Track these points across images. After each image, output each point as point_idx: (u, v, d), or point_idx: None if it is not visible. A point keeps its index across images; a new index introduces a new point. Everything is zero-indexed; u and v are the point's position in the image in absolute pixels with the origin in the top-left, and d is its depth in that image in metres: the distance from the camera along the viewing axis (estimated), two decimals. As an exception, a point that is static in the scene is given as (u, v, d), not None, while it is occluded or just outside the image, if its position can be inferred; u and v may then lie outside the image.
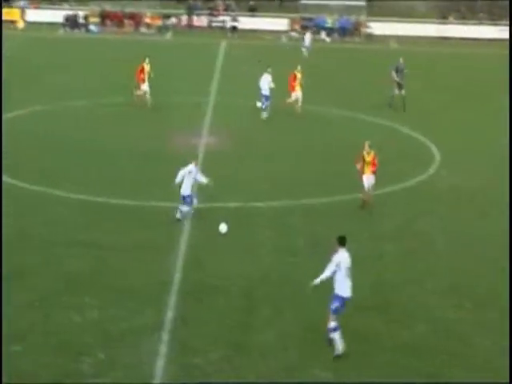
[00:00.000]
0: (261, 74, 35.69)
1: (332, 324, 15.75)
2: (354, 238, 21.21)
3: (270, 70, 35.67)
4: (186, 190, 22.70)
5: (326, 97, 40.06)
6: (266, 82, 35.09)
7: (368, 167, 24.16)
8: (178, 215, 22.76)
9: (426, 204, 25.34)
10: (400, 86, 38.22)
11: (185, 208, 22.69)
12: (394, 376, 15.18)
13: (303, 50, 53.92)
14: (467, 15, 68.04)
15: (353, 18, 65.59)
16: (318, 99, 38.45)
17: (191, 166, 22.87)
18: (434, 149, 31.35)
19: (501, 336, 16.72)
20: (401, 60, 38.89)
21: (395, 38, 61.86)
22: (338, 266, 15.76)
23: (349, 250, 15.92)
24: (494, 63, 52.76)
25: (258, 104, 35.52)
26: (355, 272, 16.26)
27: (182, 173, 22.74)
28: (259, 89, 35.33)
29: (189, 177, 22.76)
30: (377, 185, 24.74)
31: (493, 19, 67.21)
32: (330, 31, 64.08)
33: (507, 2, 65.77)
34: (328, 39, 63.05)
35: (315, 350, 15.95)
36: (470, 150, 31.32)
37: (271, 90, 35.15)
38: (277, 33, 63.14)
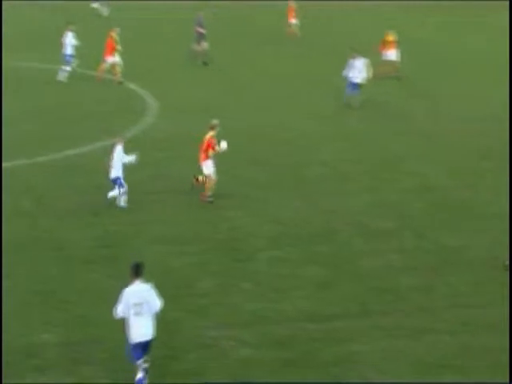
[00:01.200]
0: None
1: (139, 375, 13.03)
2: (79, 190, 21.60)
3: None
4: (116, 172, 20.75)
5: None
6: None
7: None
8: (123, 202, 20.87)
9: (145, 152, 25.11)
10: (201, 40, 37.69)
11: (116, 192, 20.74)
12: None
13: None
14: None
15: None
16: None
17: (119, 146, 20.96)
18: (152, 101, 31.20)
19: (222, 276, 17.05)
20: (201, 13, 38.54)
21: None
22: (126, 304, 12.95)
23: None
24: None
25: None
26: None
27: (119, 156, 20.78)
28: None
29: (116, 158, 20.87)
30: (95, 139, 24.72)
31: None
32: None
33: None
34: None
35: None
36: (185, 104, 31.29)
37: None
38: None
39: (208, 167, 21.22)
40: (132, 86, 33.47)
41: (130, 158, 21.05)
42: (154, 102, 30.98)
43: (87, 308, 15.66)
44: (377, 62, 33.54)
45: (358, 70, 29.82)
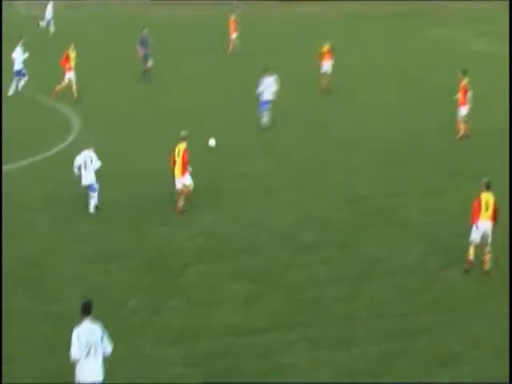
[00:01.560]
0: None
1: None
2: None
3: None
4: (91, 178, 21.28)
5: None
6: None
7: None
8: (92, 209, 21.29)
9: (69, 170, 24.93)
10: (146, 58, 37.12)
11: (94, 197, 21.27)
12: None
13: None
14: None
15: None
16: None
17: (89, 153, 21.36)
18: (74, 118, 30.92)
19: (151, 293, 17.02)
20: (145, 31, 37.74)
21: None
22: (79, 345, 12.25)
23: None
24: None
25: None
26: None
27: (80, 162, 21.25)
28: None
29: (90, 164, 21.40)
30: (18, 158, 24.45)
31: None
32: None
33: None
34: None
35: None
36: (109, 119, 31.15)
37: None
38: None
39: (188, 178, 21.57)
40: (53, 102, 33.16)
41: (99, 164, 21.46)
42: (77, 119, 30.71)
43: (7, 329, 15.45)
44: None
45: (267, 87, 29.41)
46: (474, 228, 18.09)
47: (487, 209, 18.02)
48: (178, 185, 21.57)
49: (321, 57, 35.18)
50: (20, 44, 33.88)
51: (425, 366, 14.54)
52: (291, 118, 30.58)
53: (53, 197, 22.55)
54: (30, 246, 19.42)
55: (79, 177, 21.53)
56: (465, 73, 28.54)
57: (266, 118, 29.36)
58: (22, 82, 33.79)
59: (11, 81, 33.53)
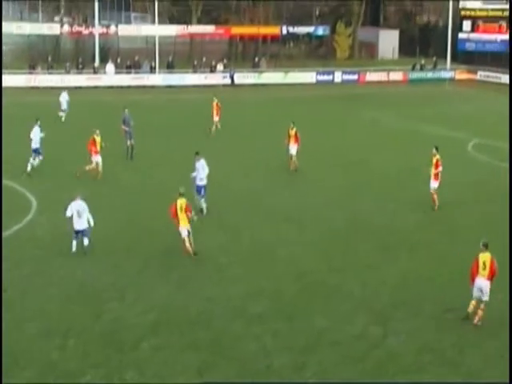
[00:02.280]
0: None
1: None
2: None
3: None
4: (85, 223, 24.46)
5: None
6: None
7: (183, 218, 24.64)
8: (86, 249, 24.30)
9: (28, 250, 25.21)
10: (129, 136, 38.26)
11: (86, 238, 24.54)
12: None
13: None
14: (54, 65, 68.59)
15: None
16: None
17: (79, 202, 24.43)
18: (30, 196, 31.14)
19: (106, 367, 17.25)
20: (126, 111, 38.88)
21: None
22: None
23: None
24: (80, 109, 53.90)
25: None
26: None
27: (71, 212, 24.54)
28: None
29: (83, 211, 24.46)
30: None
31: (78, 68, 68.64)
32: None
33: (90, 53, 68.16)
34: None
35: None
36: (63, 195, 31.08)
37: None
38: None
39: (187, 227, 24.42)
40: (10, 183, 33.05)
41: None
42: (33, 199, 30.88)
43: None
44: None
45: (200, 171, 29.16)
46: (473, 287, 19.76)
47: (484, 268, 19.60)
48: (184, 232, 24.36)
49: (288, 139, 36.21)
50: (37, 125, 35.23)
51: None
52: (241, 198, 31.34)
53: (7, 276, 22.71)
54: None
55: (71, 224, 24.25)
56: (437, 149, 30.05)
57: (203, 205, 28.86)
58: (37, 161, 35.02)
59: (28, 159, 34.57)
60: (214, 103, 45.80)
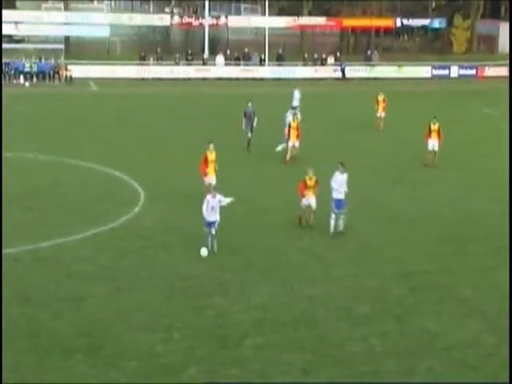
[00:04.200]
0: None
1: None
2: (56, 280, 21.86)
3: None
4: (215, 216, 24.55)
5: (31, 143, 39.11)
6: None
7: (311, 191, 26.65)
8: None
9: (134, 242, 25.59)
10: (250, 129, 38.89)
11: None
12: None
13: None
14: (164, 56, 69.65)
15: (52, 61, 64.34)
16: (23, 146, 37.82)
17: (217, 198, 24.45)
18: (139, 188, 31.55)
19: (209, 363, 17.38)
20: (249, 105, 39.30)
21: (94, 81, 62.32)
22: None
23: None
24: (190, 101, 54.63)
25: None
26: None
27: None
28: None
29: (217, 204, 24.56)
30: (83, 226, 25.43)
31: (187, 59, 69.54)
32: (28, 75, 62.67)
33: (200, 44, 69.17)
34: (27, 84, 61.71)
35: None
36: (173, 191, 31.69)
37: None
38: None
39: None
40: (118, 173, 33.76)
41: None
42: (141, 191, 31.30)
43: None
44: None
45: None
46: None
47: None
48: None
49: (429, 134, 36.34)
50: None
51: None
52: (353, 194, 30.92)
53: (114, 268, 23.24)
54: (90, 315, 19.87)
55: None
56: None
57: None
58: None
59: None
60: (381, 98, 45.43)
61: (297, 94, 47.44)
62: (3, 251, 23.50)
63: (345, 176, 26.41)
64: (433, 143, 36.05)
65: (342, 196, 26.33)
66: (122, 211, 28.37)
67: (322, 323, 19.71)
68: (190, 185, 31.68)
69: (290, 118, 38.19)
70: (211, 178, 28.77)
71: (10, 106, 48.00)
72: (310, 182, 26.52)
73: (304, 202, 26.68)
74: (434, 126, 36.12)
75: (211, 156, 28.97)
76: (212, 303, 20.78)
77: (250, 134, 38.49)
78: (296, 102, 46.03)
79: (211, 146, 29.06)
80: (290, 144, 36.58)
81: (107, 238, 25.78)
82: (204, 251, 23.59)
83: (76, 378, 16.56)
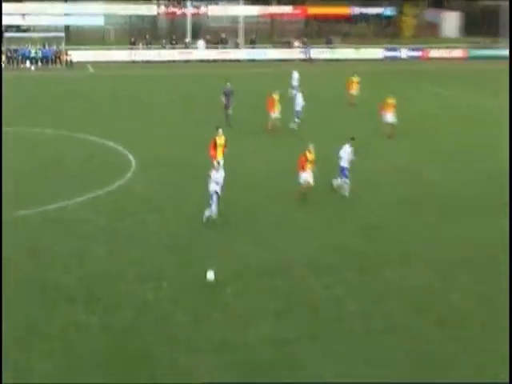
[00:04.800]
0: None
1: None
2: (59, 239, 21.57)
3: None
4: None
5: (38, 119, 38.53)
6: None
7: (310, 164, 25.32)
8: None
9: (129, 204, 25.28)
10: (229, 106, 37.80)
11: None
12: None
13: None
14: (152, 41, 68.87)
15: (54, 48, 63.43)
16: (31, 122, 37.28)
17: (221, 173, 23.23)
18: (131, 157, 31.14)
19: (194, 308, 17.21)
20: (228, 84, 38.23)
21: (91, 64, 61.43)
22: None
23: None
24: (175, 81, 53.97)
25: None
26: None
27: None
28: None
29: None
30: (83, 191, 25.22)
31: (172, 44, 68.76)
32: (34, 60, 61.77)
33: (183, 31, 68.41)
34: (33, 67, 60.78)
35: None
36: (161, 159, 31.34)
37: None
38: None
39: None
40: (112, 144, 33.34)
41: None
42: (132, 160, 30.85)
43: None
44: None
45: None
46: None
47: None
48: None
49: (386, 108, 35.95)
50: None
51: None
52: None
53: (111, 228, 22.88)
54: (90, 269, 19.64)
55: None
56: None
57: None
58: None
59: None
60: (356, 80, 44.42)
61: (295, 75, 46.41)
62: (16, 213, 23.46)
63: (352, 149, 26.52)
64: (390, 116, 35.79)
65: (347, 165, 26.40)
66: (117, 178, 28.01)
67: (293, 273, 19.55)
68: (175, 154, 31.51)
69: (298, 96, 37.85)
70: (219, 158, 26.18)
71: (18, 87, 47.33)
72: (311, 156, 25.39)
73: (303, 177, 25.27)
74: (391, 101, 35.89)
75: (220, 140, 27.24)
76: (197, 257, 20.58)
77: (229, 111, 37.93)
78: (295, 82, 45.28)
79: (220, 130, 27.46)
80: (274, 115, 36.29)
81: (104, 201, 25.46)
82: (211, 275, 19.05)
83: (79, 324, 16.38)
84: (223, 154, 26.56)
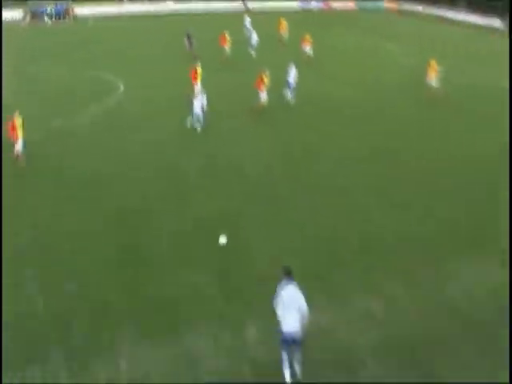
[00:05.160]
0: None
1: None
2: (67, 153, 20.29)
3: None
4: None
5: (51, 60, 37.08)
6: None
7: (265, 86, 23.19)
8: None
9: (120, 114, 24.76)
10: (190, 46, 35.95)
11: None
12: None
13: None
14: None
15: (64, 5, 60.41)
16: (45, 62, 35.86)
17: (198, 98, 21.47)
18: (120, 85, 30.66)
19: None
20: (188, 29, 37.27)
21: (91, 17, 58.92)
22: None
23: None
24: (151, 28, 52.30)
25: None
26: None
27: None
28: None
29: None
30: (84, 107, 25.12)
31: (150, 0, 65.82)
32: (49, 16, 58.96)
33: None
34: (50, 22, 58.07)
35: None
36: (141, 80, 30.95)
37: None
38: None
39: None
40: (107, 75, 32.50)
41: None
42: (121, 85, 30.26)
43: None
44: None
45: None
46: None
47: None
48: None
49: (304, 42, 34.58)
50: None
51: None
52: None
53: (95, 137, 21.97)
54: (89, 172, 18.27)
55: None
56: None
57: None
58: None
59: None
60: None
61: (247, 19, 44.56)
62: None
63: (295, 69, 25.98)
64: (308, 49, 35.57)
65: (292, 80, 25.62)
66: (110, 96, 27.77)
67: (248, 171, 18.44)
68: (152, 79, 31.30)
69: (253, 33, 36.93)
70: (199, 86, 25.36)
71: (38, 37, 45.56)
72: (266, 80, 23.78)
73: (262, 95, 23.55)
74: (308, 37, 35.64)
75: (199, 69, 26.12)
76: (171, 153, 20.13)
77: (192, 49, 36.57)
78: (248, 25, 43.66)
79: (199, 62, 26.81)
80: (227, 49, 35.23)
81: (101, 114, 25.39)
82: (223, 239, 14.15)
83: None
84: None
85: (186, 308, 11.76)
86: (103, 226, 14.95)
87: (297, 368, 9.48)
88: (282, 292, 9.14)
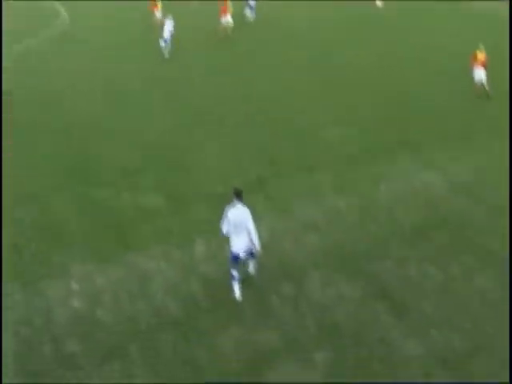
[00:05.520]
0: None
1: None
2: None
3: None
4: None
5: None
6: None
7: (229, 12, 23.81)
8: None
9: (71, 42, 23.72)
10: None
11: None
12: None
13: None
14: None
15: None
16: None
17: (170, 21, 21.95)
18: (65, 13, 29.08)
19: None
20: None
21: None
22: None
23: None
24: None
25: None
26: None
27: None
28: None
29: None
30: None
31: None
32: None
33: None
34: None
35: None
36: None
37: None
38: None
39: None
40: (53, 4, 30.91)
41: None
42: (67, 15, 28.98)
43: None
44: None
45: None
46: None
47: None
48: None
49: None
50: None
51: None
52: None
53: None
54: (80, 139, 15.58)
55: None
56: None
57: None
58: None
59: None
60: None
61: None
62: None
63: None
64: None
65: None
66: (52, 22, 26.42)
67: (227, 123, 16.03)
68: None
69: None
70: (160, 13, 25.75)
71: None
72: (230, 8, 24.66)
73: (223, 19, 24.47)
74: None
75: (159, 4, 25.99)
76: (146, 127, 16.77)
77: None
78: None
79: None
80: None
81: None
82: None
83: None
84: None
85: (135, 227, 11.85)
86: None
87: (251, 267, 9.54)
88: (229, 213, 8.93)
